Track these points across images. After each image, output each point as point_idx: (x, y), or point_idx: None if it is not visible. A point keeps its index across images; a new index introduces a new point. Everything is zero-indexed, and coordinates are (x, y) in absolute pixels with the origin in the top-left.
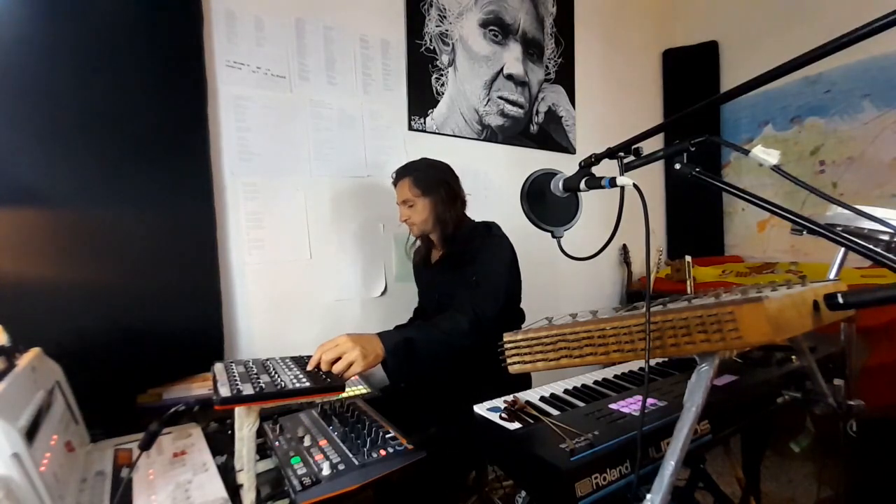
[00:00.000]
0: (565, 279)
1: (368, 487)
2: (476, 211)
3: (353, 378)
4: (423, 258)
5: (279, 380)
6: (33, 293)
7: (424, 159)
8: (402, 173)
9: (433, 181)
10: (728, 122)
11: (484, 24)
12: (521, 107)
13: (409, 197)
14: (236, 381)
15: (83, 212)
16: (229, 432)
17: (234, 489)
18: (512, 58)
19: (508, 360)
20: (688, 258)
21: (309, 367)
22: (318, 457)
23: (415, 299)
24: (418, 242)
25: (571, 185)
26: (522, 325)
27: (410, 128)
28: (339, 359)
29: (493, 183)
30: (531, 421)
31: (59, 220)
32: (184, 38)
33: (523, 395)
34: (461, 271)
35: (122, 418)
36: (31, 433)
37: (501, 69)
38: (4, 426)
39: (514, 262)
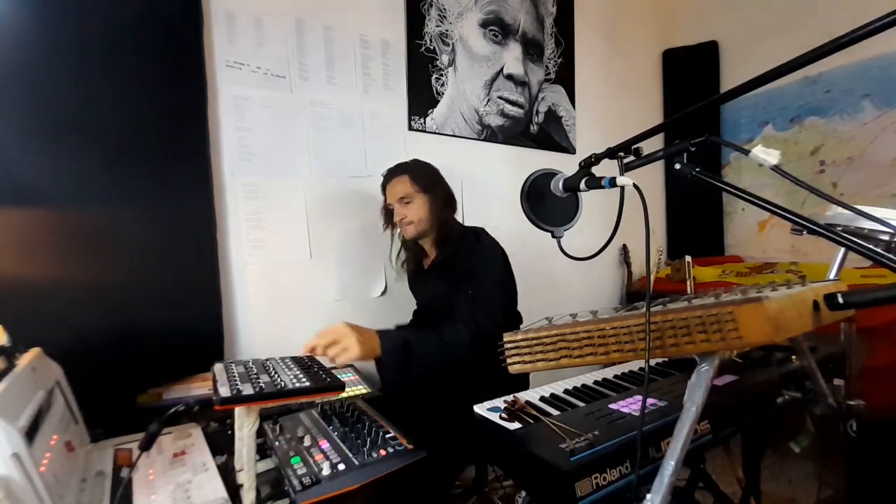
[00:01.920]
0: (565, 279)
1: (368, 487)
2: (476, 211)
3: (354, 378)
4: (416, 265)
5: (279, 380)
6: (33, 293)
7: (416, 160)
8: (397, 171)
9: (430, 179)
10: (728, 122)
11: (484, 24)
12: (521, 107)
13: (409, 192)
14: (236, 381)
15: (83, 212)
16: (229, 432)
17: (234, 489)
18: (512, 58)
19: (508, 360)
20: (688, 258)
21: (304, 352)
22: (318, 457)
23: (414, 300)
24: (403, 254)
25: (571, 185)
26: (520, 326)
27: (410, 128)
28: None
29: (493, 183)
30: (531, 421)
31: (59, 219)
32: (184, 38)
33: (523, 395)
34: (453, 279)
35: (122, 418)
36: (31, 433)
37: (501, 69)
38: (4, 426)
39: (508, 269)
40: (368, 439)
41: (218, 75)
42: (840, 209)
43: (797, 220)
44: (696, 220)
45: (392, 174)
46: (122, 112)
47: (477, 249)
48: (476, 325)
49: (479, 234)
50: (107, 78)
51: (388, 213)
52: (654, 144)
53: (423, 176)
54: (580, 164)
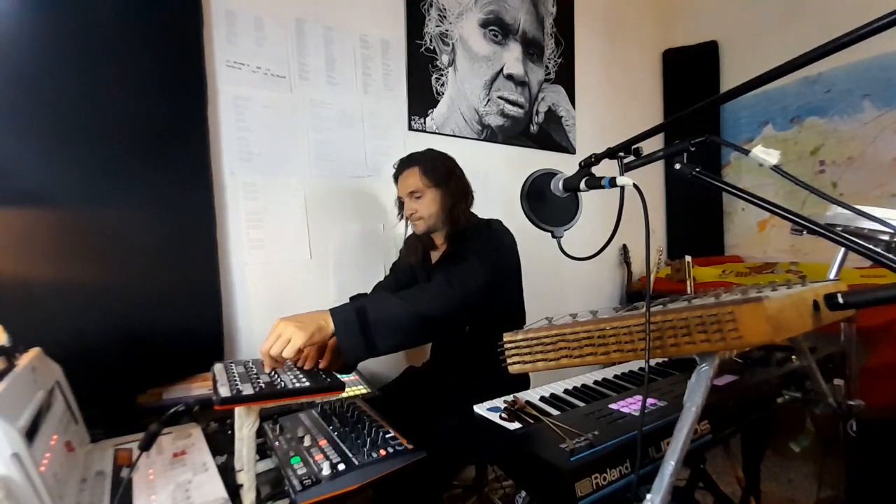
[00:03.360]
0: (565, 279)
1: (368, 487)
2: (475, 211)
3: (354, 378)
4: (421, 260)
5: (279, 380)
6: (33, 293)
7: (430, 150)
8: (408, 163)
9: (442, 172)
10: (728, 122)
11: (484, 24)
12: (521, 107)
13: (420, 187)
14: (236, 381)
15: (83, 212)
16: (229, 432)
17: (234, 489)
18: (512, 58)
19: (508, 360)
20: (688, 258)
21: (267, 370)
22: (318, 457)
23: None
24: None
25: (571, 185)
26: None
27: (410, 128)
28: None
29: (493, 183)
30: (531, 421)
31: (60, 220)
32: (184, 38)
33: (523, 395)
34: None
35: (122, 418)
36: (31, 433)
37: (501, 69)
38: (4, 426)
39: (510, 251)
40: (368, 439)
41: (218, 75)
42: (840, 209)
43: (797, 220)
44: (696, 220)
45: (403, 165)
46: (122, 112)
47: (482, 231)
48: (448, 277)
49: (490, 223)
50: (107, 78)
51: (401, 205)
52: (654, 144)
53: (436, 168)
54: (580, 164)
